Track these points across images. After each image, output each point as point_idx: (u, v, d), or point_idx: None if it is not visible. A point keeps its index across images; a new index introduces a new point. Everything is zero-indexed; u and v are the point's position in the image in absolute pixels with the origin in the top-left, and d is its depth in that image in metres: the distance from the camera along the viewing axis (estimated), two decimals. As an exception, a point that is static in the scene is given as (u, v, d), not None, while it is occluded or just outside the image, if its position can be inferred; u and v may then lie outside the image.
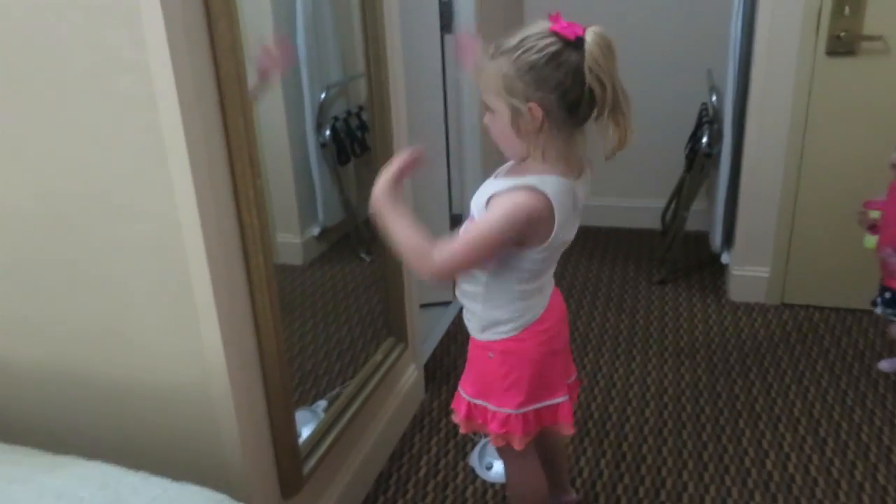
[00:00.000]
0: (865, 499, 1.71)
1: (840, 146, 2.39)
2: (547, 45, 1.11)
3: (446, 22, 2.46)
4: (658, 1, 3.08)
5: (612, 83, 1.13)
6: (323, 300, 2.10)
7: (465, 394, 1.41)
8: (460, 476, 1.85)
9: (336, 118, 2.39)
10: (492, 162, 2.83)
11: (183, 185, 1.10)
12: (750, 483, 1.77)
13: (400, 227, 1.19)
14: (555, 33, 1.12)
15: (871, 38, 2.25)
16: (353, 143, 2.45)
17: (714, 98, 2.68)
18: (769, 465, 1.83)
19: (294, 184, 2.23)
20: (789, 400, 2.08)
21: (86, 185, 1.15)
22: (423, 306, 2.27)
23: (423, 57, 2.41)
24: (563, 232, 1.22)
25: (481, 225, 1.20)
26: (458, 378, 2.25)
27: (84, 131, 1.12)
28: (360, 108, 2.47)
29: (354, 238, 2.59)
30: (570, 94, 1.13)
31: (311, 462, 1.50)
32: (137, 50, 1.04)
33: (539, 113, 1.14)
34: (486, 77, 1.16)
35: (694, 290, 2.76)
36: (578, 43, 1.11)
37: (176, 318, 1.19)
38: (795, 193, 2.48)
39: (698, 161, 2.70)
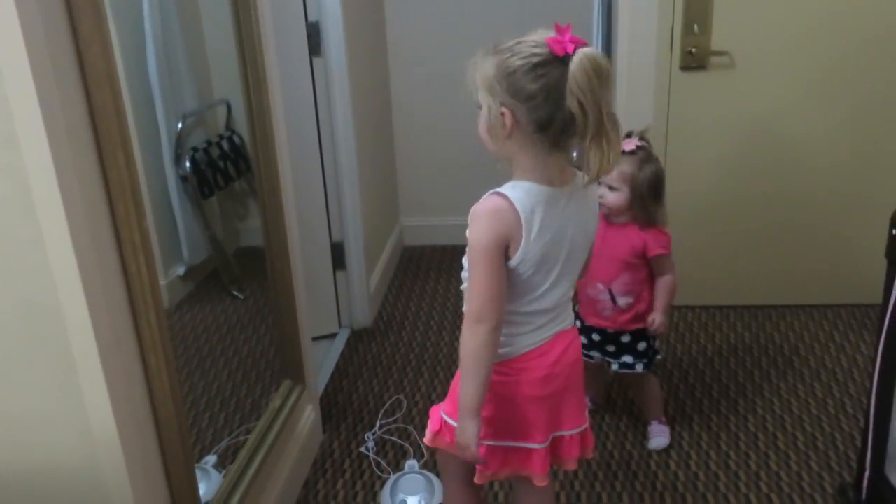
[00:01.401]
0: (762, 486, 1.80)
1: (700, 154, 2.55)
2: (532, 55, 1.06)
3: (314, 45, 2.37)
4: (515, 19, 3.15)
5: (597, 108, 1.04)
6: (197, 345, 1.93)
7: (442, 410, 1.33)
8: (373, 519, 1.75)
9: (195, 149, 2.22)
10: (370, 186, 2.78)
11: (56, 237, 0.94)
12: (658, 485, 1.82)
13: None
14: (547, 45, 1.05)
15: (718, 54, 2.41)
16: (215, 174, 2.29)
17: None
18: (673, 466, 1.88)
19: (154, 221, 2.04)
20: (680, 399, 2.17)
21: (-71, 243, 0.96)
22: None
23: (293, 81, 2.30)
24: (541, 243, 1.13)
25: (470, 253, 1.14)
26: (354, 414, 2.17)
27: (-77, 179, 0.93)
28: (221, 136, 2.32)
29: (224, 274, 2.41)
30: (540, 109, 1.06)
31: (217, 531, 1.35)
32: (-9, 80, 0.88)
33: (509, 120, 1.09)
34: (477, 74, 1.13)
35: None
36: (565, 59, 1.04)
37: (54, 390, 1.02)
38: (662, 201, 2.61)
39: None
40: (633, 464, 1.90)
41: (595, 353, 1.93)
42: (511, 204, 1.11)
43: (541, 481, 1.30)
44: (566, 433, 1.32)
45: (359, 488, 1.85)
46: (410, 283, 3.09)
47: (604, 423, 2.06)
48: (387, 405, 2.19)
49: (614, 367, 1.91)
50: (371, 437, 2.04)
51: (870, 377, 1.56)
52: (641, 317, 1.84)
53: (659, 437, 1.96)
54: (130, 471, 1.06)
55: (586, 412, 1.35)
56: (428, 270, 3.20)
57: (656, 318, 1.81)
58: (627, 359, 1.89)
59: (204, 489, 1.45)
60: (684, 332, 2.56)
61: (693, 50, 2.41)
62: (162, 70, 2.01)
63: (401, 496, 1.79)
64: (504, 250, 1.12)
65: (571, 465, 1.35)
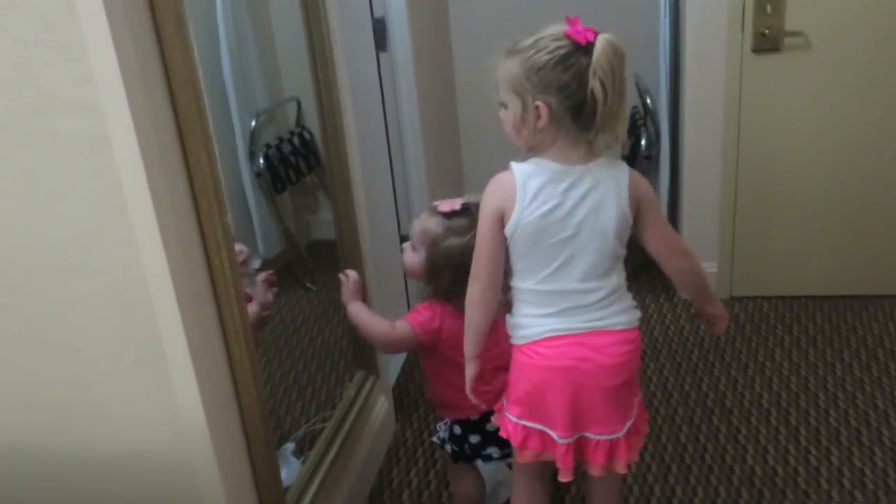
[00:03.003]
0: (846, 483, 1.74)
1: (773, 139, 2.47)
2: (557, 48, 1.14)
3: (380, 40, 2.40)
4: (583, 9, 3.11)
5: (617, 90, 1.14)
6: (273, 336, 2.00)
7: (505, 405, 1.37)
8: (445, 508, 1.78)
9: (268, 145, 2.29)
10: (436, 180, 2.80)
11: (147, 233, 0.99)
12: (735, 480, 1.78)
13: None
14: (567, 36, 1.15)
15: (793, 35, 2.33)
16: (287, 169, 2.36)
17: (648, 101, 2.72)
18: (749, 460, 1.84)
19: (231, 216, 2.12)
20: (756, 392, 2.11)
21: (32, 240, 1.02)
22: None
23: (360, 76, 2.34)
24: (537, 213, 1.18)
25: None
26: (425, 404, 2.20)
27: (25, 180, 0.99)
28: (291, 132, 2.39)
29: (298, 267, 2.48)
30: (574, 96, 1.14)
31: (298, 515, 1.40)
32: (84, 87, 0.93)
33: (544, 112, 1.16)
34: (499, 74, 1.22)
35: (645, 292, 2.78)
36: (588, 48, 1.13)
37: (146, 378, 1.08)
38: (735, 188, 2.54)
39: (639, 163, 2.73)
40: (707, 457, 1.86)
41: None
42: (512, 174, 1.21)
43: (564, 476, 1.29)
44: (592, 437, 1.29)
45: (431, 477, 1.88)
46: (477, 275, 3.09)
47: (676, 416, 2.03)
48: (456, 396, 2.22)
49: None
50: (443, 427, 2.06)
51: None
52: (447, 407, 1.58)
53: None
54: (217, 455, 1.11)
55: (627, 423, 1.29)
56: (494, 262, 3.20)
57: (350, 274, 1.61)
58: (443, 432, 1.62)
59: (283, 475, 1.49)
60: (759, 323, 2.49)
61: (766, 31, 2.33)
62: (235, 70, 2.08)
63: (472, 485, 1.81)
64: (500, 219, 1.21)
65: (596, 472, 1.30)
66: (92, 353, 1.08)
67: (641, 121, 2.80)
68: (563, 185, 1.19)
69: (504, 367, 1.37)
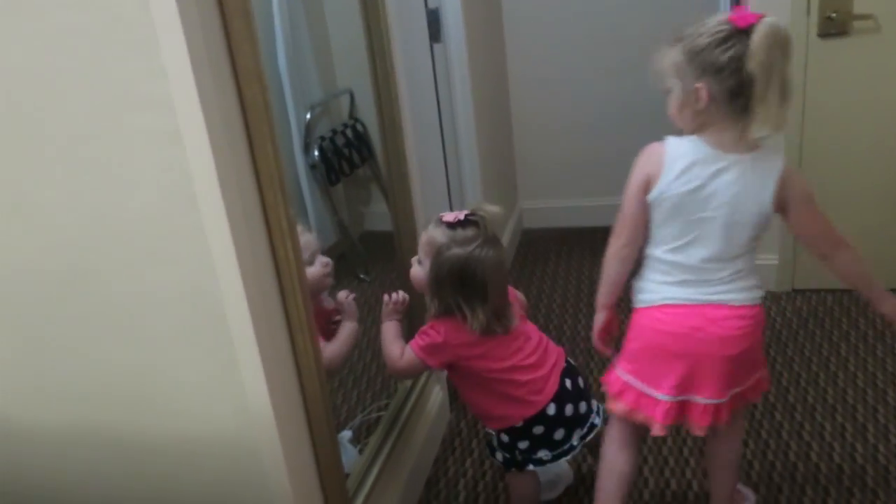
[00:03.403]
0: (917, 482, 1.68)
1: (839, 127, 2.38)
2: (717, 31, 1.18)
3: (434, 31, 2.40)
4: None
5: (778, 74, 1.15)
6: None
7: (618, 369, 1.44)
8: (502, 498, 1.78)
9: (322, 138, 2.32)
10: (489, 171, 2.79)
11: (216, 225, 1.01)
12: (798, 477, 1.73)
13: None
14: (730, 21, 1.17)
15: (862, 17, 2.24)
16: (340, 161, 2.38)
17: (707, 88, 2.66)
18: (814, 458, 1.79)
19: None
20: (820, 387, 2.05)
21: (107, 231, 1.06)
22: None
23: (415, 68, 2.34)
24: (680, 189, 1.25)
25: None
26: (479, 395, 2.20)
27: (102, 173, 1.03)
28: (345, 125, 2.41)
29: (351, 258, 2.51)
30: (731, 79, 1.17)
31: (359, 502, 1.42)
32: (157, 82, 0.96)
33: (704, 94, 1.20)
34: (665, 62, 1.26)
35: (702, 283, 2.72)
36: (748, 31, 1.15)
37: (214, 367, 1.11)
38: (798, 177, 2.46)
39: (697, 153, 2.67)
40: (769, 453, 1.82)
41: None
42: (663, 147, 1.27)
43: (658, 431, 1.36)
44: (700, 400, 1.35)
45: (487, 467, 1.88)
46: (531, 266, 3.08)
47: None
48: (511, 387, 2.21)
49: None
50: (496, 418, 2.06)
51: None
52: (485, 420, 1.58)
53: None
54: (283, 442, 1.13)
55: (733, 390, 1.36)
56: (547, 253, 3.18)
57: (399, 293, 1.59)
58: (494, 440, 1.61)
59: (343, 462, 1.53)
60: (823, 317, 2.41)
61: (833, 14, 2.25)
62: (291, 64, 2.11)
63: (528, 477, 1.81)
64: (646, 185, 1.28)
65: (699, 432, 1.37)
66: (162, 341, 1.11)
67: (700, 109, 2.73)
68: (712, 169, 1.24)
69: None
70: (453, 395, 2.19)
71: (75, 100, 0.99)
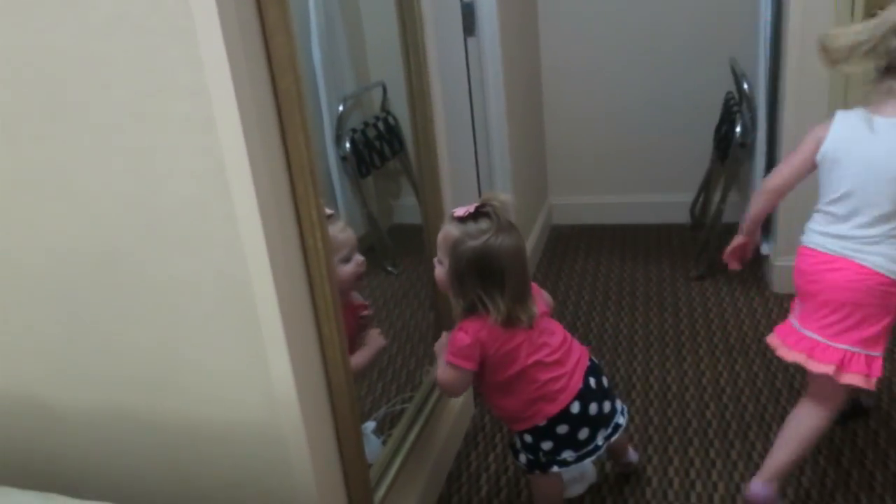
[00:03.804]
0: (951, 493, 1.64)
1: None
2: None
3: (468, 24, 2.40)
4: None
5: None
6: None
7: (845, 343, 1.51)
8: (524, 494, 1.78)
9: (354, 130, 2.33)
10: (520, 165, 2.79)
11: (247, 213, 1.02)
12: (829, 483, 1.70)
13: None
14: None
15: (908, 16, 2.18)
16: (371, 154, 2.39)
17: (745, 85, 2.61)
18: (845, 463, 1.76)
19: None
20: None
21: (141, 217, 1.08)
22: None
23: (448, 61, 2.34)
24: (836, 144, 1.47)
25: None
26: (504, 390, 2.20)
27: (138, 160, 1.04)
28: (377, 117, 2.42)
29: (379, 251, 2.52)
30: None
31: (381, 492, 1.43)
32: (194, 71, 0.97)
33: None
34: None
35: (734, 284, 2.69)
36: None
37: (242, 353, 1.12)
38: (837, 179, 2.41)
39: (733, 151, 2.63)
40: (820, 459, 1.78)
41: None
42: (833, 115, 1.52)
43: (834, 374, 1.48)
44: (853, 350, 1.48)
45: (510, 462, 1.88)
46: (559, 262, 3.07)
47: (766, 414, 1.95)
48: (536, 383, 2.21)
49: None
50: (521, 414, 2.06)
51: None
52: (509, 421, 1.56)
53: None
54: (307, 429, 1.14)
55: (881, 342, 1.49)
56: (577, 250, 3.17)
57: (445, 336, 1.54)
58: (517, 441, 1.58)
59: (365, 452, 1.54)
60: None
61: (879, 10, 2.19)
62: (325, 55, 2.12)
63: (551, 473, 1.81)
64: (817, 145, 1.51)
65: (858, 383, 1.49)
66: (192, 327, 1.13)
67: (737, 107, 2.69)
68: (866, 130, 1.43)
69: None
70: (477, 390, 2.19)
71: (115, 87, 1.01)
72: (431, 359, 1.93)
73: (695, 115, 3.07)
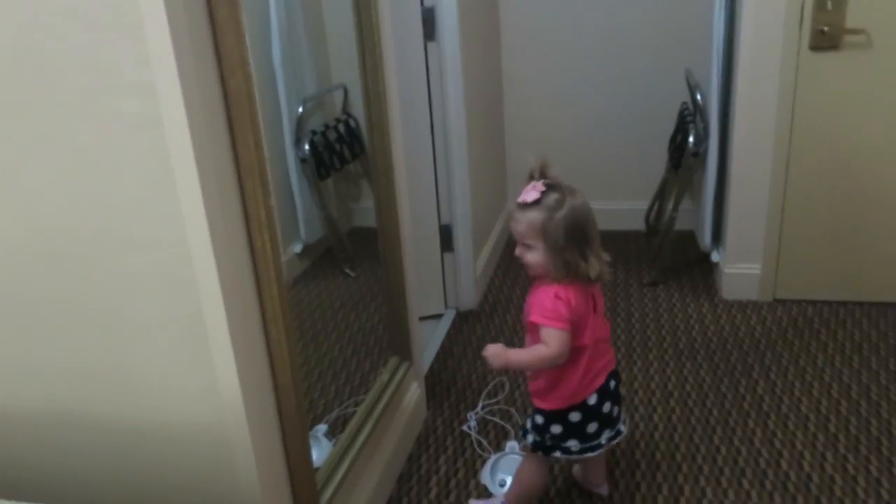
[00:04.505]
0: (884, 493, 1.70)
1: (827, 140, 2.40)
2: None
3: (429, 29, 2.41)
4: (637, 3, 3.07)
5: None
6: (311, 320, 2.03)
7: None
8: (473, 495, 1.79)
9: (314, 132, 2.32)
10: (480, 171, 2.80)
11: (193, 211, 1.02)
12: (768, 485, 1.75)
13: None
14: None
15: (854, 32, 2.26)
16: (331, 156, 2.38)
17: (698, 96, 2.68)
18: (784, 465, 1.81)
19: (274, 201, 2.17)
20: (795, 397, 2.07)
21: (87, 215, 1.06)
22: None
23: (408, 65, 2.35)
24: None
25: None
26: (457, 393, 2.21)
27: (83, 158, 1.03)
28: (337, 120, 2.41)
29: (338, 253, 2.51)
30: None
31: (327, 494, 1.42)
32: (141, 68, 0.96)
33: None
34: None
35: (686, 291, 2.75)
36: None
37: (187, 353, 1.11)
38: (784, 189, 2.48)
39: (686, 160, 2.69)
40: (740, 460, 1.84)
41: None
42: None
43: None
44: None
45: (460, 465, 1.89)
46: (517, 266, 3.08)
47: (711, 418, 2.00)
48: (489, 386, 2.23)
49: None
50: (473, 417, 2.08)
51: None
52: (541, 394, 1.56)
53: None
54: (252, 433, 1.14)
55: None
56: (534, 255, 3.19)
57: (489, 348, 1.52)
58: (528, 422, 1.62)
59: (315, 455, 1.53)
60: (803, 328, 2.44)
61: (825, 28, 2.27)
62: (285, 56, 2.11)
63: (501, 476, 1.83)
64: None
65: None
66: (138, 326, 1.12)
67: (690, 117, 2.75)
68: None
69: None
70: (431, 392, 2.20)
71: (59, 83, 0.99)
72: (385, 361, 1.94)
73: (651, 124, 3.13)
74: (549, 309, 1.44)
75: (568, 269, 1.44)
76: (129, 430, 1.20)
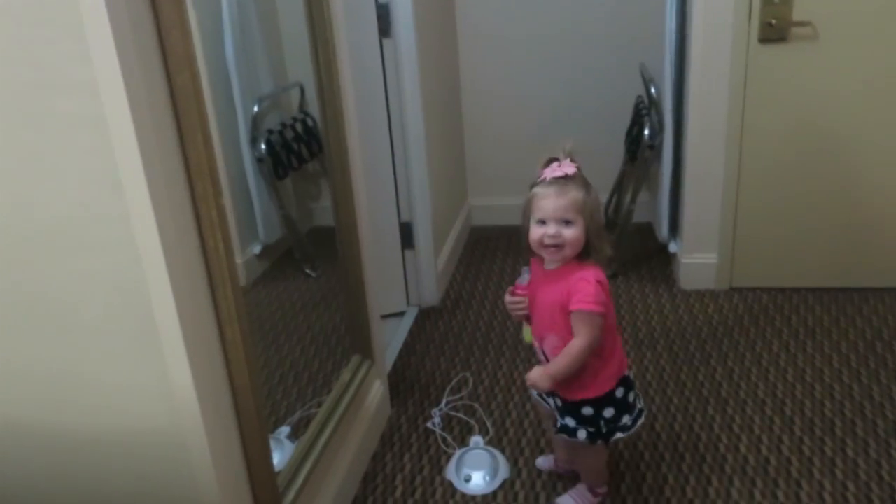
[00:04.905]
0: (838, 473, 1.74)
1: (777, 130, 2.46)
2: None
3: (384, 26, 2.39)
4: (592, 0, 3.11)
5: None
6: (272, 321, 2.01)
7: None
8: (438, 492, 1.79)
9: (271, 131, 2.29)
10: (438, 167, 2.80)
11: (141, 212, 1.00)
12: (728, 469, 1.79)
13: None
14: None
15: (800, 24, 2.31)
16: (289, 155, 2.36)
17: (653, 90, 2.71)
18: (743, 450, 1.85)
19: (232, 201, 2.14)
20: (752, 382, 2.12)
21: (29, 217, 1.03)
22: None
23: (363, 62, 2.33)
24: None
25: None
26: (421, 390, 2.21)
27: (25, 158, 1.00)
28: (295, 118, 2.39)
29: (298, 253, 2.49)
30: None
31: (290, 496, 1.41)
32: (83, 66, 0.94)
33: None
34: None
35: (645, 281, 2.79)
36: None
37: (139, 356, 1.09)
38: (738, 179, 2.53)
39: (642, 153, 2.72)
40: (700, 446, 1.87)
41: (550, 400, 1.62)
42: None
43: None
44: None
45: (425, 462, 1.89)
46: (478, 262, 3.10)
47: (671, 405, 2.04)
48: (453, 382, 2.23)
49: (557, 423, 1.57)
50: (437, 413, 2.08)
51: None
52: (584, 385, 1.51)
53: (571, 498, 1.70)
54: (209, 434, 1.12)
55: None
56: (495, 250, 3.21)
57: (531, 377, 1.49)
58: (570, 421, 1.55)
59: (278, 458, 1.51)
60: (758, 314, 2.49)
61: (773, 21, 2.32)
62: (239, 54, 2.08)
63: (465, 471, 1.83)
64: None
65: None
66: (88, 331, 1.09)
67: (646, 110, 2.79)
68: None
69: None
70: (395, 390, 2.19)
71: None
72: (347, 361, 1.92)
73: (608, 118, 3.16)
74: (592, 294, 1.41)
75: (600, 252, 1.45)
76: (80, 436, 1.17)
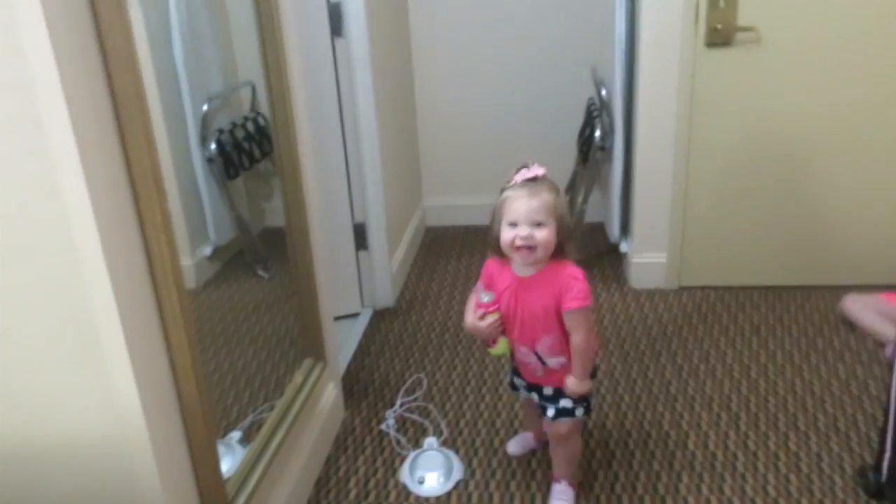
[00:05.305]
0: (781, 466, 1.80)
1: (723, 132, 2.52)
2: None
3: (335, 25, 2.37)
4: (544, 2, 3.13)
5: None
6: (223, 324, 1.97)
7: None
8: (392, 494, 1.78)
9: (221, 131, 2.25)
10: (392, 167, 2.79)
11: (80, 217, 0.97)
12: (676, 465, 1.82)
13: None
14: None
15: (745, 29, 2.37)
16: (240, 155, 2.32)
17: (603, 92, 2.75)
18: (691, 446, 1.89)
19: (181, 203, 2.09)
20: (700, 379, 2.16)
21: (-40, 223, 0.99)
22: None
23: (315, 62, 2.31)
24: None
25: None
26: (375, 392, 2.20)
27: (-47, 161, 0.96)
28: (246, 118, 2.35)
29: (249, 255, 2.45)
30: None
31: (239, 502, 1.38)
32: (15, 64, 0.90)
33: None
34: None
35: (596, 281, 2.82)
36: None
37: (80, 366, 1.06)
38: (686, 181, 2.59)
39: (593, 154, 2.76)
40: (650, 443, 1.90)
41: (533, 394, 1.67)
42: None
43: None
44: None
45: (379, 464, 1.88)
46: (433, 263, 3.10)
47: (622, 403, 2.07)
48: (407, 384, 2.22)
49: (549, 413, 1.61)
50: (392, 415, 2.07)
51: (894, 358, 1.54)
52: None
53: (559, 500, 1.71)
54: (154, 444, 1.09)
55: None
56: (450, 251, 3.21)
57: (568, 384, 1.54)
58: (566, 403, 1.59)
59: (229, 464, 1.49)
60: (706, 313, 2.55)
61: (718, 25, 2.37)
62: (187, 53, 2.04)
63: (420, 473, 1.82)
64: None
65: None
66: (25, 339, 1.05)
67: (597, 112, 2.83)
68: None
69: None
70: (348, 392, 2.18)
71: (-78, 81, 0.93)
72: (300, 364, 1.90)
73: (560, 120, 3.19)
74: (584, 290, 1.47)
75: (568, 250, 1.49)
76: (21, 450, 1.13)
